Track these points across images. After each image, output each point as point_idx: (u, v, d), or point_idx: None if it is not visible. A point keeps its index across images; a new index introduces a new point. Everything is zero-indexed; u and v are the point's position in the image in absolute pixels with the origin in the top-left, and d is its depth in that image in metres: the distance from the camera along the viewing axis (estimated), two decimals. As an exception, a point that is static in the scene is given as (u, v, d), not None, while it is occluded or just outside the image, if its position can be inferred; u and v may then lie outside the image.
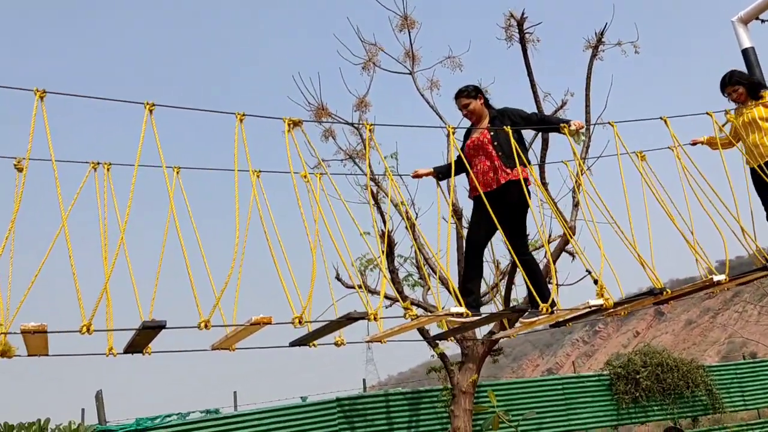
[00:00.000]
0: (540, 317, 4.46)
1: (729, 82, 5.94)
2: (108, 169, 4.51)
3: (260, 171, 4.97)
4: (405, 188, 8.91)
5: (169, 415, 9.13)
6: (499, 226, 4.66)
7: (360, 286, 8.06)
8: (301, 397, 9.88)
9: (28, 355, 3.99)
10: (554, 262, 8.52)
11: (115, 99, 3.79)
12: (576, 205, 8.09)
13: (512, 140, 4.69)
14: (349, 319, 3.68)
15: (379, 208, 8.81)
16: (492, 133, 4.95)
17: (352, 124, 9.39)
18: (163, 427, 8.93)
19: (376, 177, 9.21)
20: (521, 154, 4.74)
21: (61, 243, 3.75)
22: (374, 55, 9.68)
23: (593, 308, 4.29)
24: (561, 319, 5.12)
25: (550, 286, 8.77)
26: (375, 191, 8.87)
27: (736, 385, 12.31)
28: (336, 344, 4.57)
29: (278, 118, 4.10)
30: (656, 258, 4.85)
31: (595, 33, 8.35)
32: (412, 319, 4.09)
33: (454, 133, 4.87)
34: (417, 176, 5.44)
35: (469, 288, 4.90)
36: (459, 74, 9.80)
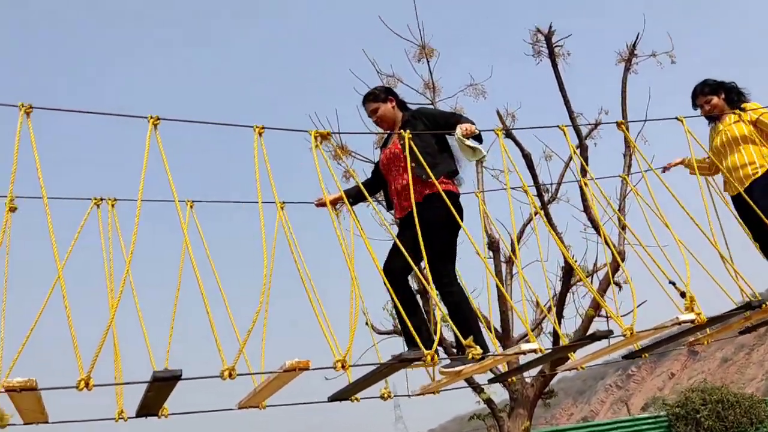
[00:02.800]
0: (619, 342, 3.78)
1: (701, 92, 4.95)
2: (113, 205, 4.01)
3: (284, 203, 4.42)
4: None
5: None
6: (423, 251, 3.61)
7: (397, 332, 7.32)
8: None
9: (24, 423, 3.42)
10: (603, 294, 7.84)
11: (118, 114, 3.28)
12: (624, 228, 7.44)
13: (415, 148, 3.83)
14: (402, 361, 3.06)
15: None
16: (402, 142, 4.06)
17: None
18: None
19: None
20: (441, 161, 3.97)
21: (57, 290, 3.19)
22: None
23: (682, 324, 3.62)
24: (637, 347, 4.46)
25: (599, 320, 8.10)
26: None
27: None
28: (382, 398, 3.95)
29: (303, 131, 3.57)
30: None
31: (627, 45, 7.88)
32: (475, 360, 3.45)
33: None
34: (321, 204, 4.35)
35: (416, 326, 3.69)
36: (482, 101, 9.34)
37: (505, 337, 8.04)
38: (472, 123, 4.03)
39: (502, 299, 8.04)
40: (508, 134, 6.96)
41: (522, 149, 6.77)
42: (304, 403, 3.83)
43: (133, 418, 3.53)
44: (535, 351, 3.47)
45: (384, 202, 4.49)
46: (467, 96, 9.22)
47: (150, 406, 3.32)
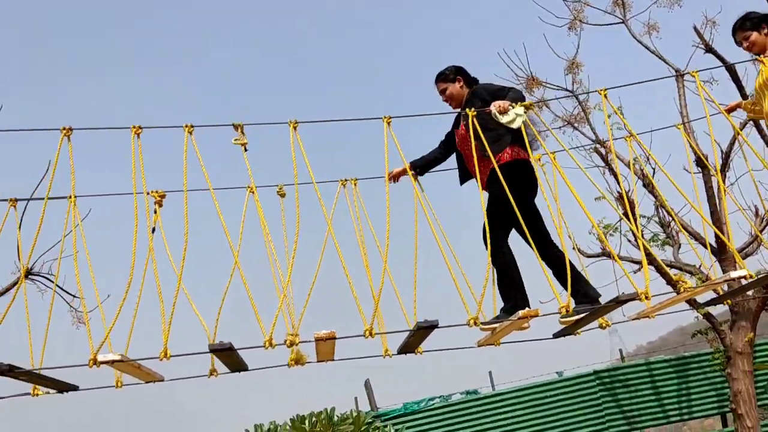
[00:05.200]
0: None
1: (740, 27, 4.46)
2: (355, 185, 4.85)
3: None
4: (637, 144, 8.24)
5: (432, 399, 9.62)
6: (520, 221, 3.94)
7: (606, 254, 7.68)
8: (557, 372, 9.79)
9: (318, 361, 4.45)
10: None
11: (354, 119, 4.05)
12: None
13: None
14: (618, 302, 3.54)
15: (611, 170, 8.37)
16: (465, 122, 4.33)
17: (568, 90, 9.02)
18: (428, 410, 9.43)
19: (601, 139, 8.77)
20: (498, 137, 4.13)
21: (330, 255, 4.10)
22: (580, 12, 9.19)
23: None
24: None
25: None
26: (604, 153, 8.43)
27: None
28: (601, 327, 4.43)
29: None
30: None
31: None
32: (684, 291, 3.81)
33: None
34: (394, 177, 4.74)
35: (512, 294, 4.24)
36: (678, 11, 8.92)
37: (720, 251, 7.98)
38: (521, 96, 4.23)
39: (714, 214, 7.95)
40: (709, 49, 6.75)
41: (724, 62, 6.55)
42: (533, 340, 4.42)
43: (395, 354, 4.42)
44: (744, 278, 3.74)
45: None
46: (660, 8, 8.88)
47: (409, 347, 4.16)
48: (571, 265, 4.41)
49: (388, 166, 3.94)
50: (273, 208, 4.86)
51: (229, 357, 3.70)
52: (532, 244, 4.03)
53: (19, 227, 4.35)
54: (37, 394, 4.05)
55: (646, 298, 3.54)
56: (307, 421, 7.84)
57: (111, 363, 3.35)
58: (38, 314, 4.01)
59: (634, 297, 3.50)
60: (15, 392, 3.97)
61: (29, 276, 7.70)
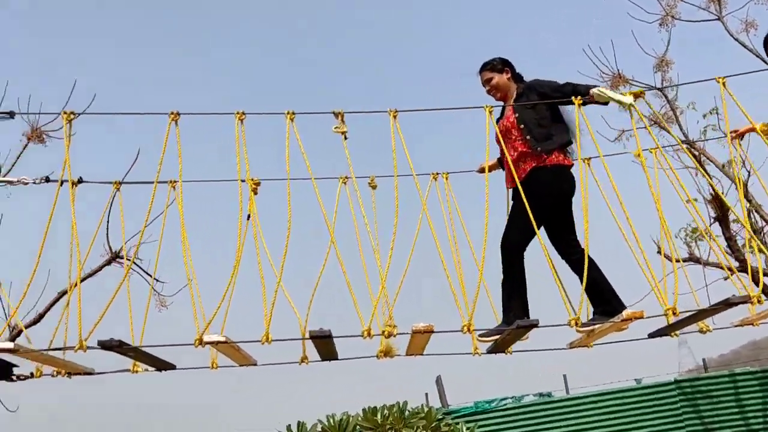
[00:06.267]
0: None
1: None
2: (446, 178, 4.84)
3: (589, 158, 4.83)
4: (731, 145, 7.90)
5: (504, 399, 9.49)
6: (535, 225, 3.80)
7: (695, 259, 7.41)
8: (635, 379, 9.51)
9: (406, 355, 4.45)
10: None
11: (453, 108, 4.04)
12: None
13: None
14: (728, 304, 3.41)
15: (705, 171, 8.05)
16: (517, 114, 4.17)
17: (656, 88, 8.73)
18: (500, 410, 9.32)
19: (691, 139, 8.45)
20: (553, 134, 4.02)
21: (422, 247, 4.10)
22: (672, 8, 8.87)
23: None
24: None
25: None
26: (696, 154, 8.12)
27: None
28: (701, 331, 4.27)
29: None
30: None
31: None
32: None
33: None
34: (482, 171, 4.52)
35: (508, 306, 4.05)
36: (778, 8, 8.48)
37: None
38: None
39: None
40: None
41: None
42: (626, 341, 4.29)
43: (485, 353, 4.36)
44: None
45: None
46: (759, 5, 8.49)
47: (501, 346, 4.10)
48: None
49: (488, 157, 3.91)
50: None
51: (325, 345, 3.75)
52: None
53: (109, 210, 4.50)
54: (137, 371, 4.23)
55: (759, 301, 3.39)
56: (379, 414, 7.87)
57: (215, 344, 3.45)
58: (121, 295, 4.15)
59: (746, 300, 3.37)
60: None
61: (117, 259, 7.94)
